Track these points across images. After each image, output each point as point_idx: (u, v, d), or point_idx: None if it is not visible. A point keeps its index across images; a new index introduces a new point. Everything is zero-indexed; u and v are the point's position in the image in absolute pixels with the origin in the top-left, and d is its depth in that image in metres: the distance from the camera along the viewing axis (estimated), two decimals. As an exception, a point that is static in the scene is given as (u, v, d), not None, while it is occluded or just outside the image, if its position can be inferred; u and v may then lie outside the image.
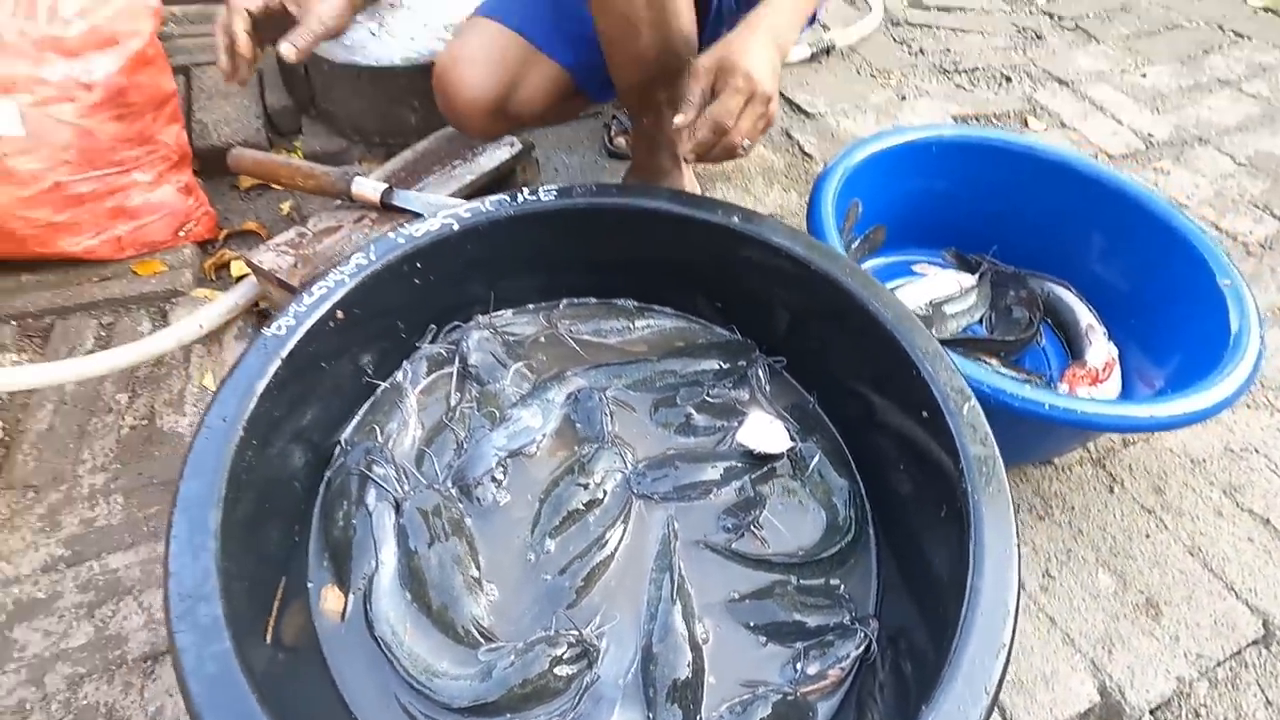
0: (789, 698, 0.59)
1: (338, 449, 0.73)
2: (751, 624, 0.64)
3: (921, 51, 1.82)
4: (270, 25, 0.85)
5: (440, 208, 0.98)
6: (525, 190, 0.80)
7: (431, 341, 0.82)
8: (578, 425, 0.78)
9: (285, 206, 1.22)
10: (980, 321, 1.10)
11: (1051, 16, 2.02)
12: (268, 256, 0.97)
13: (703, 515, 0.72)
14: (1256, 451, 0.99)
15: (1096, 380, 0.98)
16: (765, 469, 0.75)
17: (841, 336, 0.74)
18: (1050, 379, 1.01)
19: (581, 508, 0.70)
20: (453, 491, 0.71)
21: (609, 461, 0.73)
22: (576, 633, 0.61)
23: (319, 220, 1.02)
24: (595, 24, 0.87)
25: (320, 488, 0.71)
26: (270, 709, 0.44)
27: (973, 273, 1.14)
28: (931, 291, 1.09)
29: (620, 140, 1.37)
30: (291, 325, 0.66)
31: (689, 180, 1.17)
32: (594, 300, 0.90)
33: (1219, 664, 0.78)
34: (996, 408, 0.73)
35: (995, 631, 0.49)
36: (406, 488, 0.70)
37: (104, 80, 0.94)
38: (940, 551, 0.60)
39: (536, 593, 0.65)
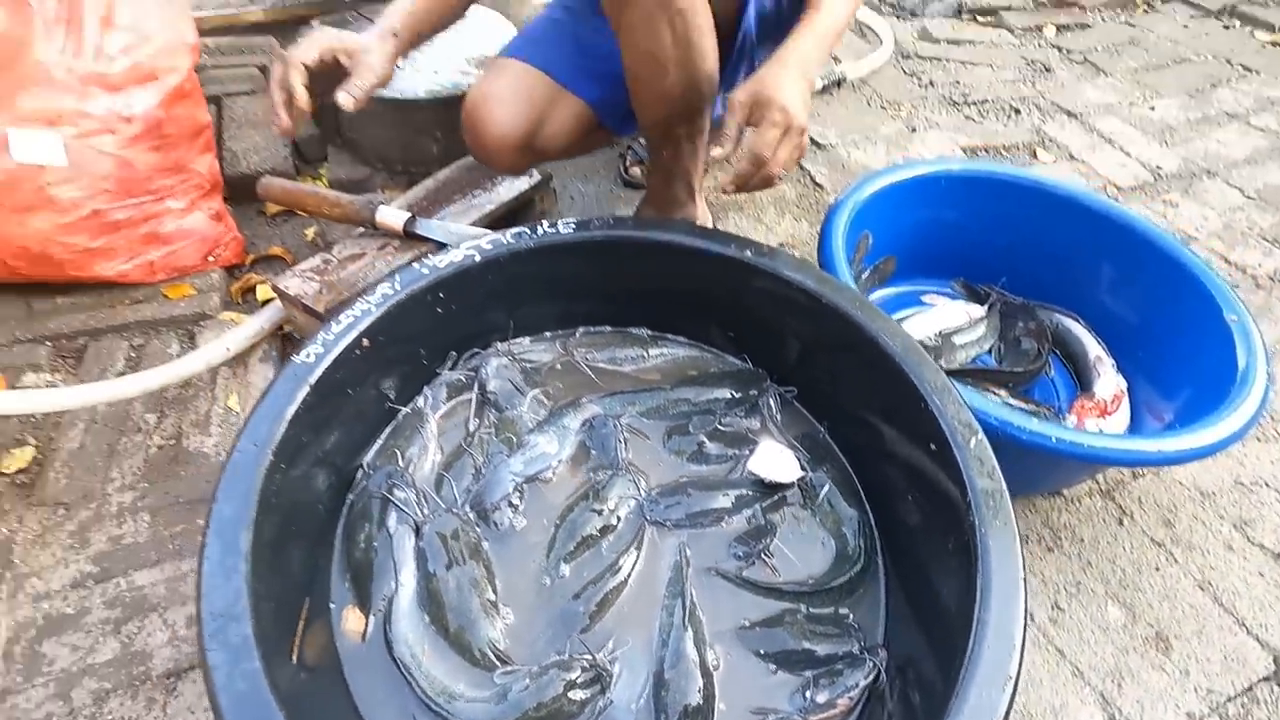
0: (798, 726, 0.60)
1: (360, 472, 0.75)
2: (762, 651, 0.66)
3: (931, 84, 1.85)
4: (323, 77, 0.87)
5: (461, 237, 1.02)
6: (545, 223, 0.82)
7: (451, 368, 0.85)
8: (593, 451, 0.80)
9: (310, 232, 1.26)
10: (989, 352, 1.11)
11: (1060, 50, 2.05)
12: (294, 282, 1.00)
13: (714, 542, 0.73)
14: (1267, 485, 0.99)
15: (1105, 412, 0.99)
16: (776, 497, 0.76)
17: (851, 368, 0.76)
18: (1059, 410, 1.02)
19: (596, 533, 0.72)
20: (471, 516, 0.72)
21: (623, 488, 0.75)
22: (590, 657, 0.62)
23: (343, 247, 1.06)
24: (624, 62, 0.90)
25: (343, 510, 0.73)
26: (297, 727, 0.46)
27: (982, 303, 1.16)
28: (941, 322, 1.10)
29: (635, 170, 1.41)
30: (320, 353, 0.68)
31: (702, 210, 1.20)
32: (609, 329, 0.92)
33: (1229, 700, 0.78)
34: (1004, 440, 0.74)
35: (1002, 664, 0.51)
36: (426, 511, 0.72)
37: (143, 114, 0.98)
38: (948, 582, 0.62)
39: (551, 617, 0.67)
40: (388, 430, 0.79)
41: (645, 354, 0.90)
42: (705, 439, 0.81)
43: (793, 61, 0.80)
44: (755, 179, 0.79)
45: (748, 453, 0.79)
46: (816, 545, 0.74)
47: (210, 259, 1.13)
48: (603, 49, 1.03)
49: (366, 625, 0.65)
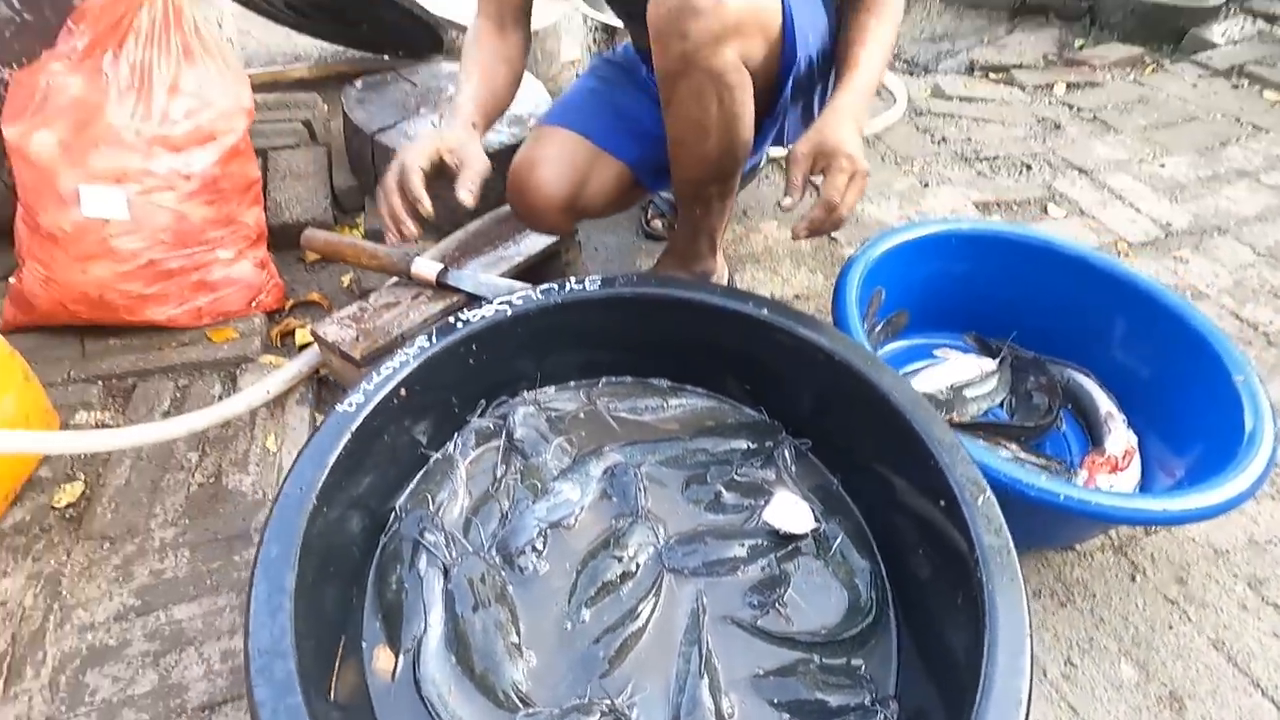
0: (811, 776, 0.62)
1: (393, 515, 0.79)
2: (775, 701, 0.67)
3: (944, 140, 1.91)
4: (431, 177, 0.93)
5: (491, 288, 1.07)
6: (572, 280, 0.87)
7: (481, 415, 0.89)
8: (613, 499, 0.83)
9: (346, 279, 1.33)
10: (1001, 405, 1.14)
11: (1070, 107, 2.11)
12: (331, 329, 1.05)
13: (730, 591, 0.76)
14: (1281, 544, 1.00)
15: (1116, 468, 1.01)
16: (790, 548, 0.79)
17: (863, 423, 0.79)
18: (1071, 465, 1.04)
19: (616, 579, 0.75)
20: (497, 560, 0.76)
21: (642, 535, 0.78)
22: (609, 701, 0.65)
23: (379, 296, 1.11)
24: (669, 128, 0.96)
25: (376, 552, 0.76)
26: (337, 762, 0.49)
27: (993, 357, 1.18)
28: (952, 376, 1.13)
29: (656, 223, 1.47)
30: (361, 401, 0.73)
31: (720, 263, 1.25)
32: (630, 379, 0.96)
33: (1246, 763, 0.78)
34: (1013, 496, 0.77)
35: (1008, 718, 0.52)
36: (455, 554, 0.75)
37: (201, 171, 1.05)
38: (958, 636, 0.64)
39: (572, 660, 0.69)
40: (419, 475, 0.83)
41: (665, 404, 0.94)
42: (722, 489, 0.84)
43: (847, 113, 0.85)
44: (827, 223, 0.84)
45: (763, 503, 0.82)
46: (829, 596, 0.76)
47: (253, 304, 1.19)
48: (638, 113, 1.10)
49: (396, 664, 0.68)
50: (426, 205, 0.87)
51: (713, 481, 0.85)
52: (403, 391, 0.76)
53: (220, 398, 1.09)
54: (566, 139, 1.06)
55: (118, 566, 0.88)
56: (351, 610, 0.71)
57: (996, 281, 1.19)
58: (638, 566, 0.76)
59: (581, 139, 1.05)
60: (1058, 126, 2.00)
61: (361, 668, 0.68)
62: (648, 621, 0.73)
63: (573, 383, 0.95)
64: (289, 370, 1.08)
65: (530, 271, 1.21)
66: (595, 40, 1.72)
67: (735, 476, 0.85)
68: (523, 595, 0.74)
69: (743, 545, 0.78)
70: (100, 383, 1.09)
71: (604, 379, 0.96)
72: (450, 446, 0.86)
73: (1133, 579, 0.95)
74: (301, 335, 1.20)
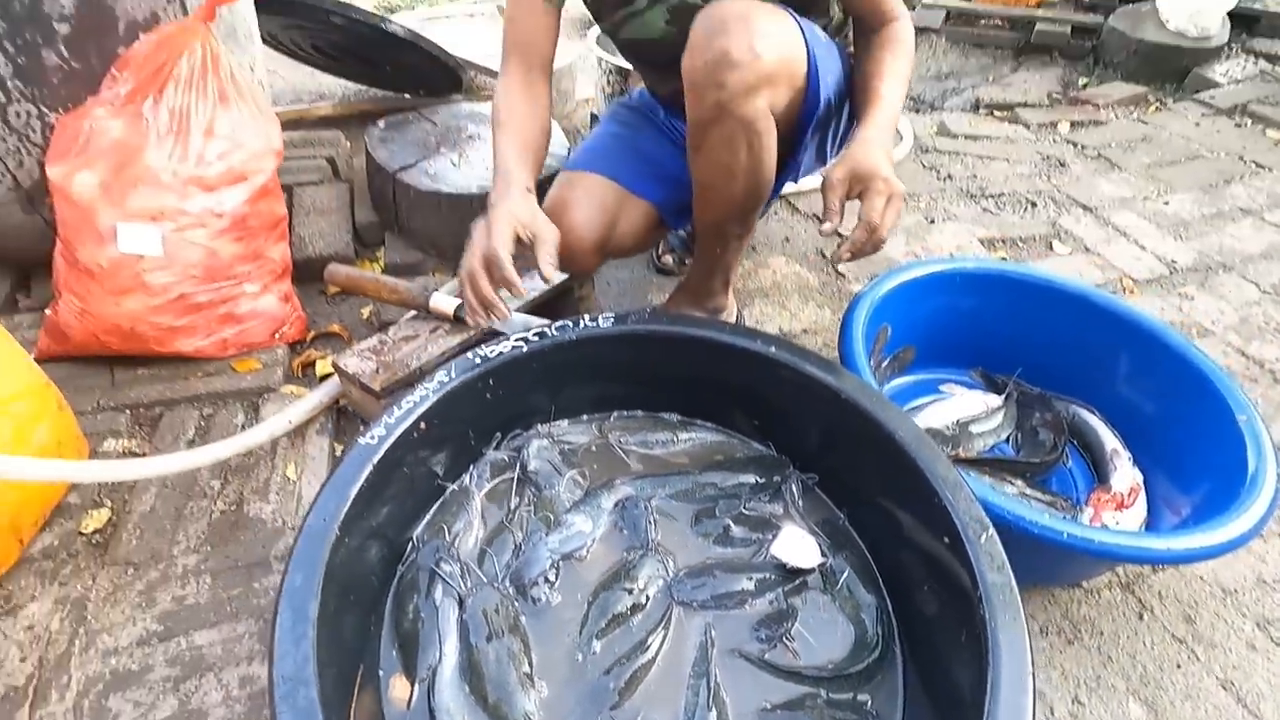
0: (818, 811, 0.63)
1: (410, 545, 0.81)
2: (783, 735, 0.68)
3: (949, 177, 1.95)
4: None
5: (506, 323, 1.10)
6: (587, 317, 0.90)
7: (496, 448, 0.92)
8: (624, 531, 0.85)
9: (365, 312, 1.37)
10: (1007, 441, 1.15)
11: (1075, 145, 2.14)
12: (352, 361, 1.09)
13: (738, 624, 0.77)
14: (1290, 584, 1.00)
15: (1122, 505, 1.02)
16: (797, 582, 0.80)
17: (868, 460, 0.81)
18: (1077, 502, 1.05)
19: (626, 611, 0.76)
20: (510, 590, 0.78)
21: (652, 568, 0.80)
22: (619, 733, 0.66)
23: (398, 329, 1.15)
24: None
25: (393, 581, 0.78)
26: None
27: (999, 393, 1.20)
28: (958, 411, 1.15)
29: (667, 258, 1.50)
30: (383, 434, 0.75)
31: (730, 300, 1.28)
32: (641, 413, 0.99)
33: (1257, 806, 0.78)
34: (1017, 533, 0.78)
35: (1010, 757, 0.53)
36: (470, 585, 0.77)
37: (232, 210, 1.10)
38: (963, 673, 0.65)
39: (582, 692, 0.71)
40: (436, 506, 0.86)
41: (675, 438, 0.96)
42: (731, 522, 0.86)
43: (874, 141, 0.89)
44: (868, 244, 0.86)
45: (771, 537, 0.84)
46: (836, 631, 0.77)
47: (276, 336, 1.23)
48: (660, 156, 1.15)
49: (412, 694, 0.69)
50: (521, 288, 0.88)
51: (721, 515, 0.86)
52: (422, 425, 0.79)
53: (243, 427, 1.12)
54: (596, 183, 1.10)
55: (141, 592, 0.91)
56: (369, 639, 0.73)
57: (1001, 318, 1.21)
58: (648, 599, 0.78)
59: (610, 182, 1.09)
60: (1062, 164, 2.04)
61: (379, 696, 0.69)
62: (657, 654, 0.74)
63: (585, 416, 0.98)
64: (310, 400, 1.11)
65: (544, 306, 1.24)
66: (609, 82, 1.78)
67: (744, 510, 0.87)
68: (535, 626, 0.76)
69: (751, 579, 0.80)
70: (128, 411, 1.13)
71: (616, 413, 0.98)
72: (466, 478, 0.88)
73: (1140, 617, 0.95)
74: (322, 366, 1.23)
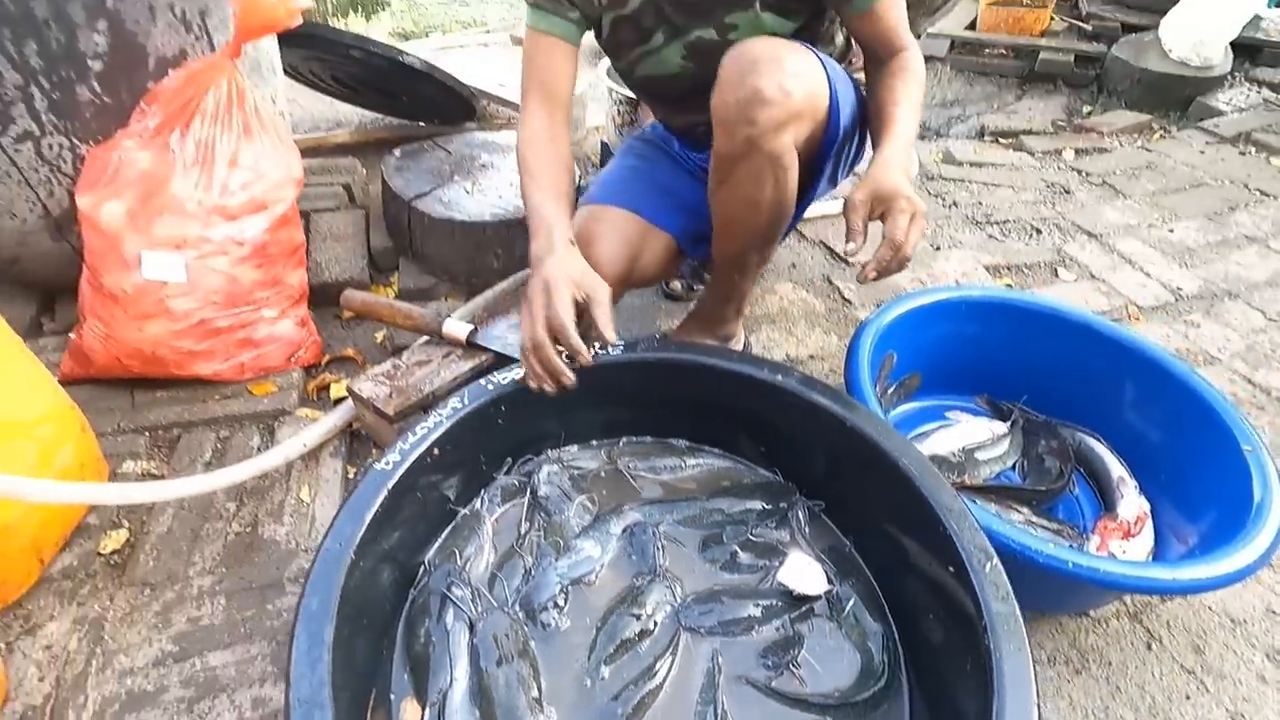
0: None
1: (421, 569, 0.83)
2: (789, 763, 0.69)
3: (955, 204, 1.97)
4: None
5: (517, 349, 1.12)
6: (596, 345, 0.92)
7: (507, 473, 0.93)
8: (633, 557, 0.86)
9: (379, 336, 1.39)
10: (1013, 468, 1.15)
11: (1079, 172, 2.16)
12: (366, 386, 1.11)
13: (745, 651, 0.78)
14: (1300, 615, 0.99)
15: (1129, 534, 1.02)
16: (804, 609, 0.81)
17: (873, 488, 0.82)
18: (1083, 530, 1.05)
19: (634, 637, 0.77)
20: (520, 615, 0.79)
21: (660, 594, 0.81)
22: (627, 760, 0.66)
23: (412, 354, 1.17)
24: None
25: (405, 605, 0.80)
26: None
27: (1004, 420, 1.21)
28: (964, 438, 1.15)
29: (675, 284, 1.53)
30: (398, 460, 0.77)
31: (740, 327, 1.30)
32: (650, 439, 1.00)
33: (1268, 842, 0.77)
34: (1023, 562, 0.79)
35: (1014, 787, 0.54)
36: (480, 609, 0.78)
37: (253, 238, 1.13)
38: (969, 703, 0.65)
39: (590, 717, 0.72)
40: (448, 530, 0.87)
41: (683, 464, 0.97)
42: (738, 548, 0.87)
43: (893, 162, 0.90)
44: (894, 262, 0.87)
45: (777, 564, 0.85)
46: (843, 658, 0.78)
47: (292, 360, 1.25)
48: (677, 187, 1.18)
49: (423, 717, 0.70)
50: (587, 357, 0.85)
51: (729, 541, 0.88)
52: (435, 450, 0.81)
53: (259, 449, 1.14)
54: (618, 216, 1.12)
55: (158, 613, 0.92)
56: (381, 662, 0.74)
57: (1006, 345, 1.22)
58: (655, 624, 0.79)
59: (632, 215, 1.12)
60: (1067, 191, 2.06)
61: (390, 719, 0.71)
62: (665, 679, 0.75)
63: (594, 441, 1.00)
64: (325, 424, 1.13)
65: (555, 331, 1.26)
66: (619, 112, 1.82)
67: (750, 536, 0.88)
68: (544, 651, 0.77)
69: (758, 605, 0.81)
70: (147, 433, 1.15)
71: (625, 438, 1.00)
72: (477, 503, 0.90)
73: (1149, 647, 0.95)
74: (336, 389, 1.25)
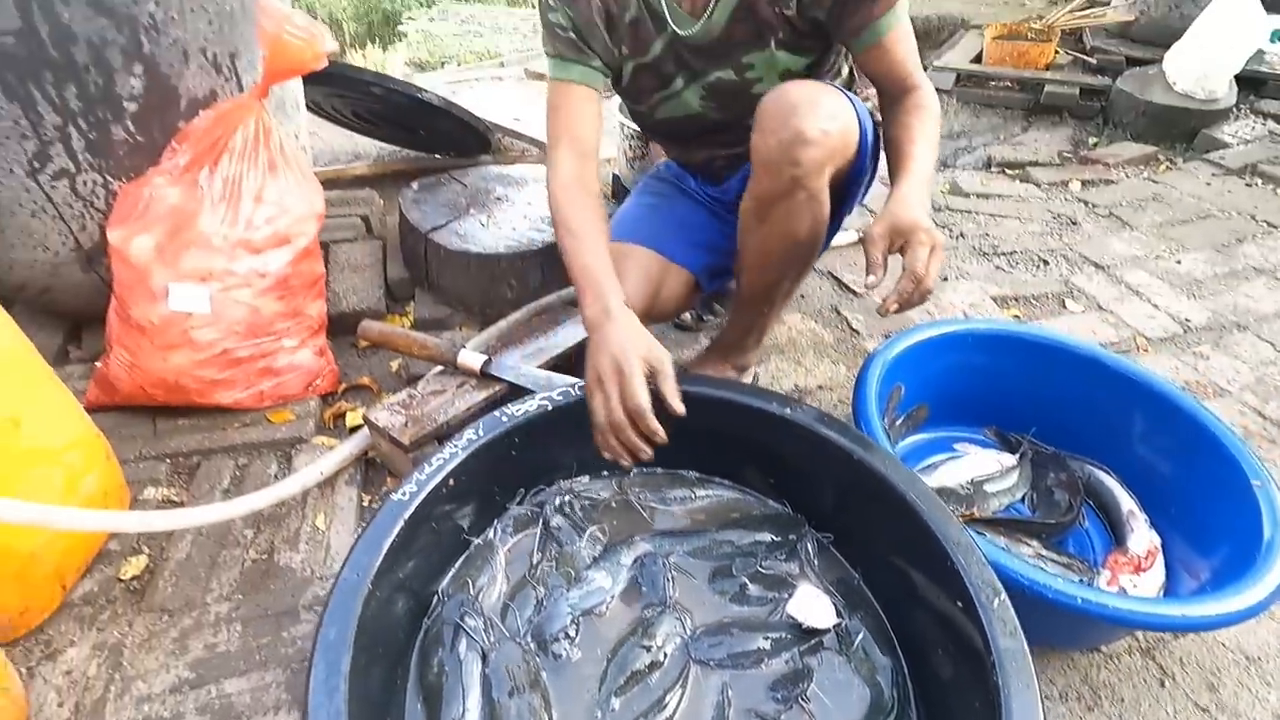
0: None
1: (435, 599, 0.84)
2: (799, 799, 0.69)
3: (962, 235, 1.99)
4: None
5: (531, 379, 1.14)
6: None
7: (519, 503, 0.95)
8: (643, 588, 0.87)
9: (395, 365, 1.42)
10: (1022, 501, 1.16)
11: (1086, 204, 2.19)
12: (382, 415, 1.13)
13: (754, 684, 0.78)
14: (1316, 652, 0.98)
15: (1139, 568, 1.02)
16: (813, 642, 0.82)
17: (881, 521, 0.83)
18: (1094, 563, 1.05)
19: (644, 669, 0.78)
20: (532, 645, 0.80)
21: (670, 626, 0.82)
22: (637, 793, 0.67)
23: (427, 384, 1.20)
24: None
25: (419, 635, 0.81)
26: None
27: (1013, 452, 1.21)
28: (972, 470, 1.16)
29: (685, 315, 1.55)
30: (414, 491, 0.79)
31: (756, 359, 1.33)
32: (660, 470, 1.02)
33: None
34: (1032, 597, 0.79)
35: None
36: (493, 639, 0.79)
37: (276, 270, 1.17)
38: (978, 740, 0.65)
39: (601, 750, 0.72)
40: (461, 560, 0.89)
41: (693, 495, 0.98)
42: (747, 580, 0.88)
43: (912, 198, 0.91)
44: (915, 294, 0.88)
45: (787, 596, 0.85)
46: (852, 692, 0.78)
47: (309, 388, 1.28)
48: (695, 223, 1.21)
49: (435, 748, 0.71)
50: (663, 436, 0.85)
51: (738, 573, 0.88)
52: (451, 481, 0.83)
53: (276, 477, 1.16)
54: (640, 254, 1.15)
55: (175, 639, 0.94)
56: (395, 692, 0.75)
57: (1014, 377, 1.23)
58: (665, 656, 0.79)
59: (652, 253, 1.14)
60: (1074, 222, 2.08)
61: (403, 749, 0.71)
62: (675, 712, 0.75)
63: (605, 472, 1.01)
64: (341, 452, 1.15)
65: (567, 361, 1.29)
66: (631, 146, 1.86)
67: (760, 568, 0.89)
68: (555, 682, 0.77)
69: (767, 638, 0.81)
70: (168, 460, 1.18)
71: (635, 470, 1.01)
72: (490, 533, 0.91)
73: (1162, 684, 0.94)
74: (352, 418, 1.28)
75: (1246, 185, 2.27)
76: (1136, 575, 1.01)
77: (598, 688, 0.77)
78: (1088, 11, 3.19)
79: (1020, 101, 2.86)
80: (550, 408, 0.91)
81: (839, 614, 0.83)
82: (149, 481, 1.14)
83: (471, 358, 1.19)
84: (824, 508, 0.93)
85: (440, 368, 1.23)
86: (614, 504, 0.97)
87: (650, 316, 1.17)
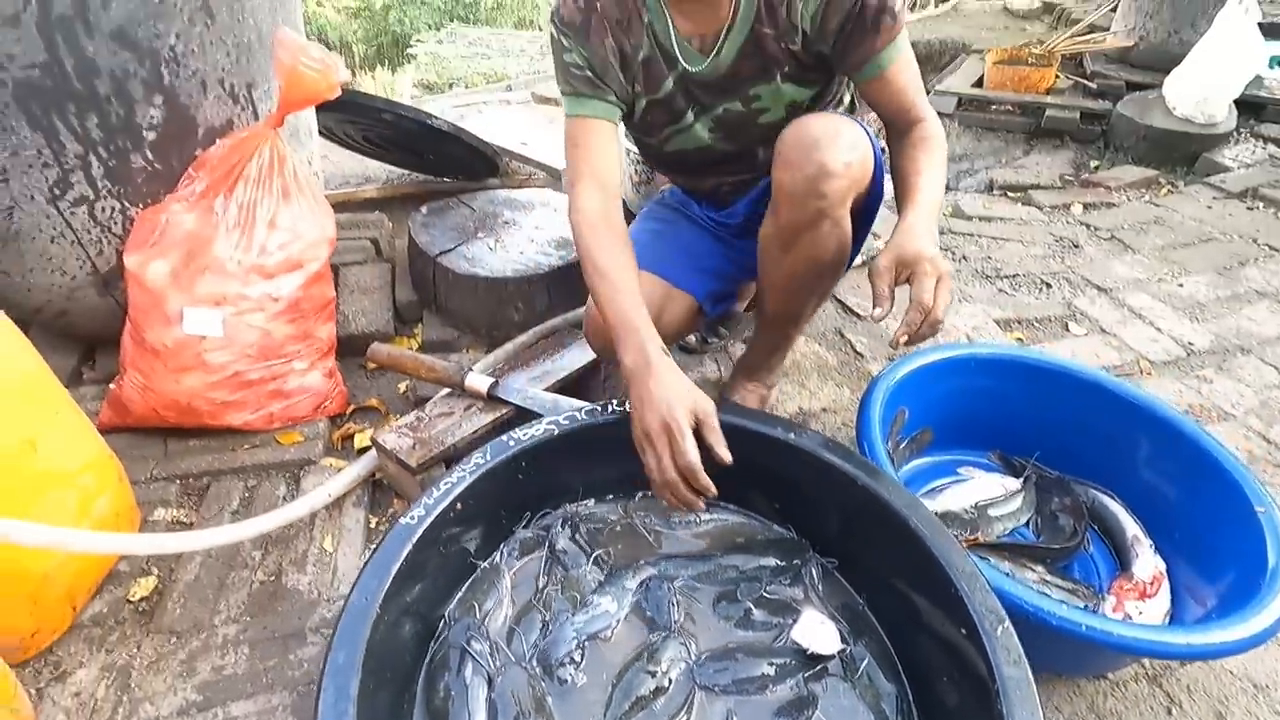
0: None
1: (441, 622, 0.85)
2: (804, 827, 0.69)
3: (965, 258, 2.01)
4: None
5: (537, 402, 1.16)
6: (614, 403, 0.95)
7: (525, 527, 0.96)
8: (648, 612, 0.87)
9: (402, 386, 1.43)
10: (1026, 525, 1.16)
11: (1088, 227, 2.20)
12: (390, 437, 1.15)
13: (759, 710, 0.78)
14: (1325, 681, 0.98)
15: (1145, 594, 1.02)
16: (818, 668, 0.82)
17: (885, 547, 0.84)
18: (1099, 589, 1.05)
19: (649, 694, 0.78)
20: (537, 670, 0.80)
21: (674, 651, 0.82)
22: (642, 821, 0.67)
23: (434, 406, 1.21)
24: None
25: (425, 658, 0.81)
26: None
27: (1017, 476, 1.22)
28: (976, 494, 1.16)
29: (691, 338, 1.56)
30: (422, 515, 0.80)
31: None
32: (665, 494, 1.02)
33: None
34: (1036, 624, 0.79)
35: None
36: (499, 663, 0.80)
37: (288, 294, 1.19)
38: (984, 769, 0.65)
39: (606, 776, 0.72)
40: (468, 584, 0.89)
41: (698, 519, 0.99)
42: (752, 605, 0.88)
43: (918, 228, 0.92)
44: (925, 325, 0.88)
45: (791, 621, 0.85)
46: (857, 719, 0.78)
47: (318, 410, 1.30)
48: (699, 249, 1.23)
49: (441, 773, 0.71)
50: (714, 491, 0.85)
51: (743, 598, 0.89)
52: (458, 505, 0.84)
53: (285, 498, 1.18)
54: (642, 279, 1.16)
55: (183, 661, 0.94)
56: (402, 715, 0.76)
57: (1018, 401, 1.24)
58: (670, 682, 0.80)
59: (656, 278, 1.16)
60: (1076, 245, 2.09)
61: (409, 775, 0.72)
62: (680, 740, 0.75)
63: (611, 496, 1.02)
64: (349, 474, 1.17)
65: (573, 384, 1.30)
66: (636, 170, 1.88)
67: (765, 593, 0.89)
68: (561, 707, 0.78)
69: (772, 664, 0.81)
70: (179, 481, 1.19)
71: (640, 493, 1.02)
72: (497, 556, 0.92)
73: (1169, 712, 0.94)
74: (360, 439, 1.29)
75: (1248, 209, 2.28)
76: (1142, 601, 1.01)
77: (603, 713, 0.77)
78: (1088, 37, 3.24)
79: (1022, 125, 2.89)
80: (557, 432, 0.92)
81: (843, 640, 0.84)
82: (159, 503, 1.15)
83: (479, 380, 1.20)
84: (829, 533, 0.93)
85: (448, 390, 1.25)
86: (620, 528, 0.98)
87: None
